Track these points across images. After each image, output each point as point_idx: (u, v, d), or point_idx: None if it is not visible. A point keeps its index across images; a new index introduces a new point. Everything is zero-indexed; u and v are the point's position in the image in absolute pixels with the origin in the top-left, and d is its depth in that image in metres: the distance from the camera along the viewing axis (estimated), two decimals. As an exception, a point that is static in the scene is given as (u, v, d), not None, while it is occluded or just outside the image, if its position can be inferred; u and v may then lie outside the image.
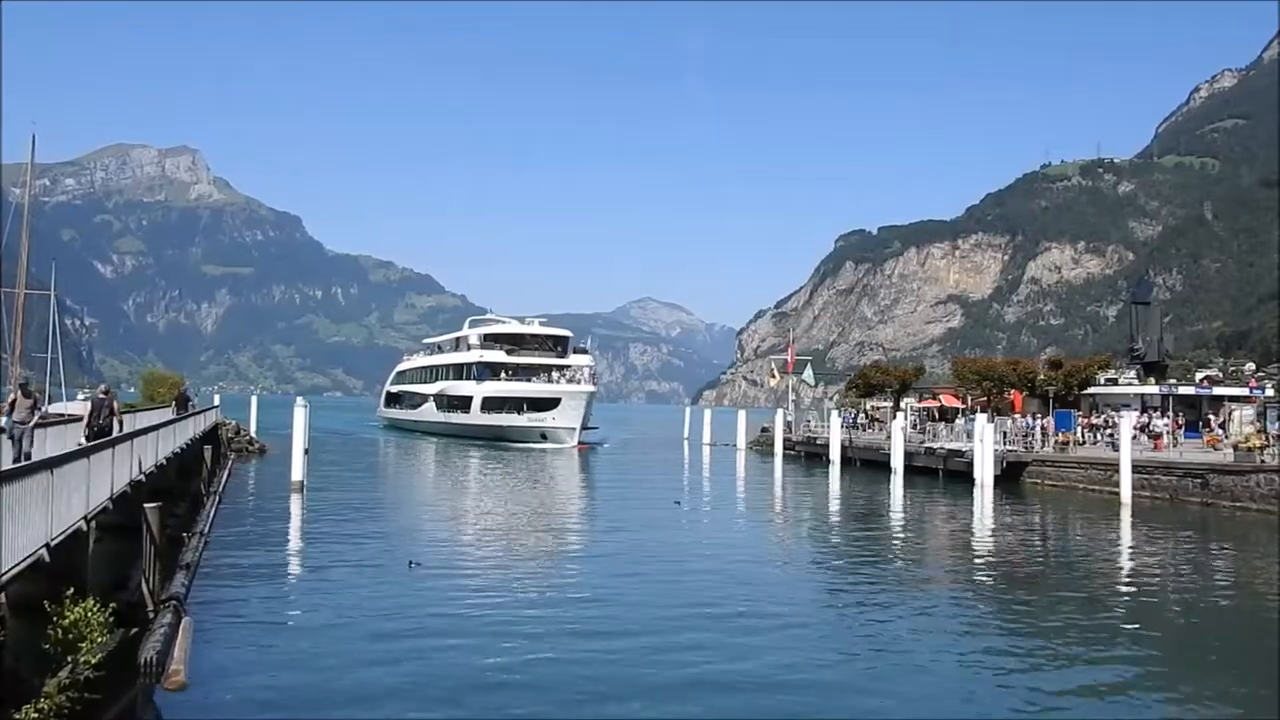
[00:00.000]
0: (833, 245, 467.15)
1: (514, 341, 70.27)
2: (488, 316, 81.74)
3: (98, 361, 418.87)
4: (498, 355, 68.58)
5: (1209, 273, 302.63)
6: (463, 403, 69.38)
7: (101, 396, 18.77)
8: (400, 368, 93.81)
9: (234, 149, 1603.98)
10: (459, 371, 72.70)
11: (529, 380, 66.04)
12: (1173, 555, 23.33)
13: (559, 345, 71.57)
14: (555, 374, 66.29)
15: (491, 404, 66.41)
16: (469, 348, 73.08)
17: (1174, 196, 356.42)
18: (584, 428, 62.86)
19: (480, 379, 67.87)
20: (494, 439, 64.33)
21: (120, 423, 18.12)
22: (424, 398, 78.85)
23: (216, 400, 57.60)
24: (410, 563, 18.26)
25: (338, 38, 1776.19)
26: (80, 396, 56.46)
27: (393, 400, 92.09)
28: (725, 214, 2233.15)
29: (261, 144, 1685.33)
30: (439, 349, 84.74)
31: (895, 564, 21.44)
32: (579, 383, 64.47)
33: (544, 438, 62.29)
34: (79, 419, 19.44)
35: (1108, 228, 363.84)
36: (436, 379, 77.59)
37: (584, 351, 73.93)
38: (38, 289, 50.59)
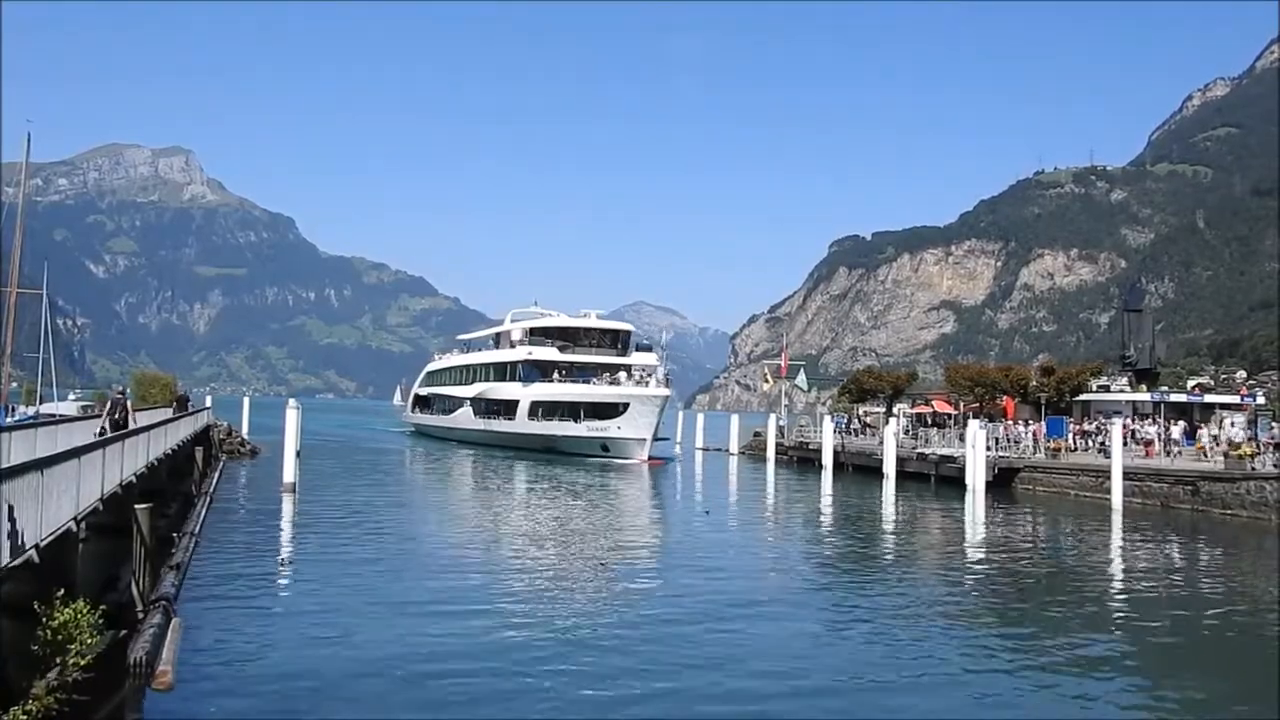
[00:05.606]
0: (826, 250, 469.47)
1: (566, 337, 60.90)
2: (532, 309, 70.27)
3: (89, 362, 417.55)
4: (548, 352, 59.42)
5: (1201, 280, 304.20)
6: (506, 408, 61.01)
7: (118, 396, 22.47)
8: (431, 367, 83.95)
9: (228, 150, 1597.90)
10: (501, 371, 63.55)
11: (587, 382, 57.25)
12: (1166, 560, 23.42)
13: (619, 341, 62.49)
14: (618, 374, 57.47)
15: (541, 409, 58.01)
16: (512, 344, 63.28)
17: (1166, 204, 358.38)
18: (654, 438, 54.24)
19: (527, 380, 59.15)
20: (544, 450, 56.65)
21: (134, 418, 20.78)
22: (459, 401, 69.91)
23: (208, 401, 57.36)
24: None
25: (333, 39, 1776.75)
26: (71, 397, 56.40)
27: (422, 404, 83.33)
28: (719, 218, 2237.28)
29: (255, 145, 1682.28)
30: (491, 343, 72.88)
31: (890, 570, 21.45)
32: (648, 385, 55.15)
33: (605, 450, 53.94)
34: (70, 419, 22.13)
35: (1100, 235, 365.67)
36: (474, 380, 68.11)
37: (648, 349, 65.40)
38: (29, 289, 50.42)
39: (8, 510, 7.88)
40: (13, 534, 8.03)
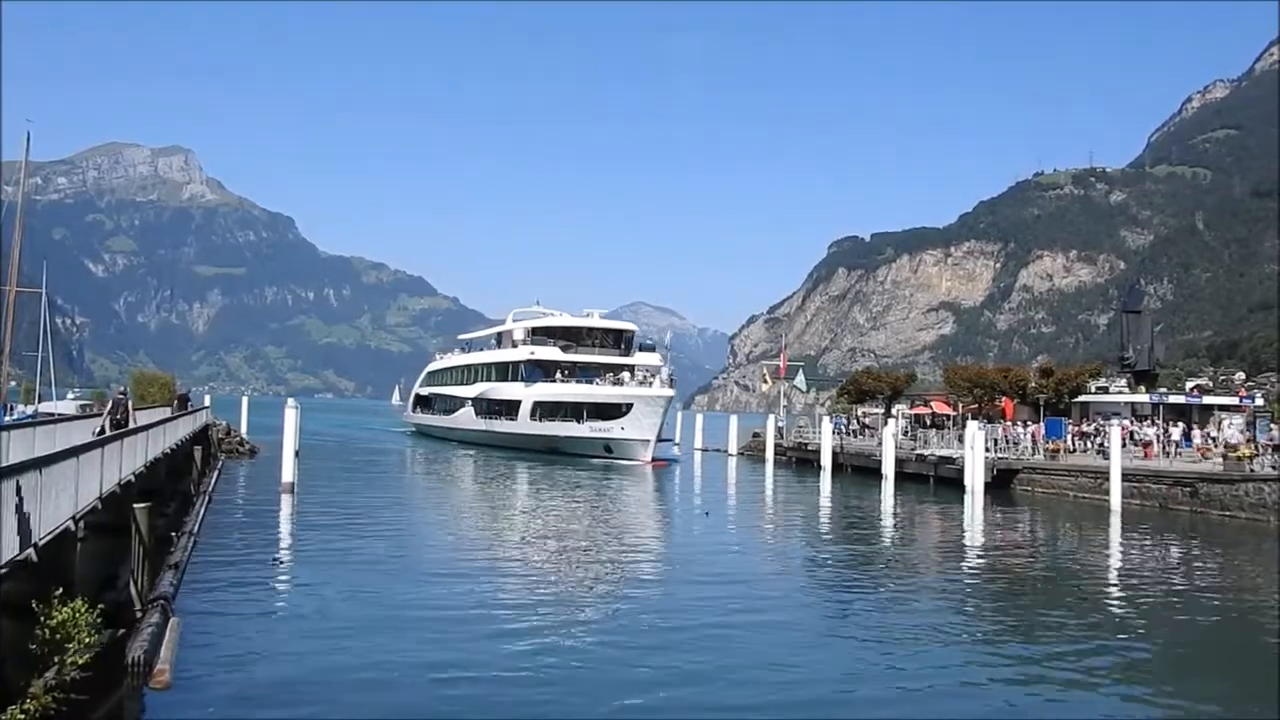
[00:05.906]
0: (825, 251, 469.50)
1: (569, 336, 60.71)
2: (534, 308, 70.18)
3: (88, 361, 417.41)
4: (551, 352, 59.07)
5: (1200, 282, 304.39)
6: (508, 408, 60.58)
7: (119, 396, 22.93)
8: (431, 367, 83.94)
9: (227, 149, 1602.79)
10: (503, 371, 63.22)
11: (590, 382, 56.74)
12: (1165, 562, 23.42)
13: (622, 341, 62.39)
14: (622, 374, 57.02)
15: (544, 410, 57.61)
16: (514, 344, 62.77)
17: (1166, 206, 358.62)
18: (658, 439, 53.75)
19: (530, 380, 58.73)
20: (546, 451, 56.17)
21: (135, 419, 21.07)
22: (460, 401, 69.56)
23: (207, 400, 57.35)
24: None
25: (333, 39, 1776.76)
26: (70, 396, 56.39)
27: (422, 404, 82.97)
28: (719, 218, 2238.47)
29: (255, 145, 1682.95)
30: (493, 343, 72.36)
31: (889, 572, 21.46)
32: (652, 385, 54.57)
33: (609, 451, 53.54)
34: (69, 418, 22.40)
35: (1100, 236, 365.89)
36: (476, 380, 67.68)
37: (651, 349, 65.24)
38: (28, 287, 50.43)
39: (10, 507, 7.88)
40: (13, 532, 8.03)
